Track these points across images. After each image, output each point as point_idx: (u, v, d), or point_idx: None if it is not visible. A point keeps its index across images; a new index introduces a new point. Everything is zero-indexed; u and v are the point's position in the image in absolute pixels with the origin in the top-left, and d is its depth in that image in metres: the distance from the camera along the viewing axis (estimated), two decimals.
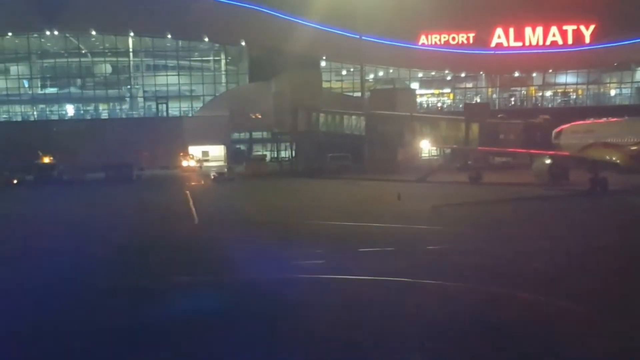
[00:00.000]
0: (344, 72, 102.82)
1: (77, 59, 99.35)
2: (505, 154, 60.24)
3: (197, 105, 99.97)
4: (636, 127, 46.61)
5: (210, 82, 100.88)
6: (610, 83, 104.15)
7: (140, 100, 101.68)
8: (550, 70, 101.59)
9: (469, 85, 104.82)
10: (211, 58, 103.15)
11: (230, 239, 27.80)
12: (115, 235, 30.28)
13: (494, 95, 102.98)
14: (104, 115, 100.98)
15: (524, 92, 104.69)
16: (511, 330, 14.24)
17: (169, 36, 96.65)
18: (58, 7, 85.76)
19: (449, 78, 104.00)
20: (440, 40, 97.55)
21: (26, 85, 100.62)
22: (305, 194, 51.02)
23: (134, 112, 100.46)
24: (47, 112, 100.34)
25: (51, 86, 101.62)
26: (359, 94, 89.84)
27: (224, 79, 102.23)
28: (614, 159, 44.61)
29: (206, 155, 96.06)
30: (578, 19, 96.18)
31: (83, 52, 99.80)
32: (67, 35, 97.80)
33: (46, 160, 76.95)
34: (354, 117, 75.30)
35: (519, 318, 15.19)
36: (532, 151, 50.70)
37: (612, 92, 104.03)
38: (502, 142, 57.29)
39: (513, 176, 54.44)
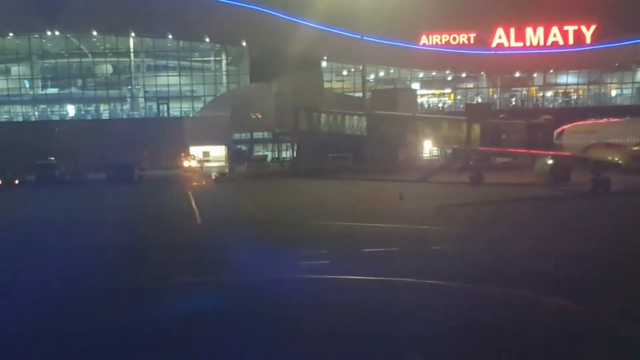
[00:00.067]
0: (344, 73, 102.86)
1: (78, 60, 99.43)
2: (506, 154, 60.26)
3: (198, 105, 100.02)
4: (638, 127, 46.66)
5: (211, 82, 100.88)
6: (611, 83, 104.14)
7: (141, 100, 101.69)
8: (551, 71, 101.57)
9: (470, 85, 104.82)
10: (212, 58, 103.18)
11: (234, 240, 27.81)
12: (117, 235, 30.24)
13: (495, 96, 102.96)
14: (105, 115, 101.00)
15: (524, 92, 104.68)
16: (520, 331, 14.23)
17: (170, 36, 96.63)
18: (59, 8, 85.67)
19: (449, 78, 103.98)
20: (441, 40, 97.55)
21: (27, 85, 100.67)
22: (307, 194, 51.00)
23: (135, 113, 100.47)
24: (48, 113, 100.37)
25: (52, 86, 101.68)
26: (359, 95, 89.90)
27: (225, 80, 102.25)
28: (616, 159, 44.65)
29: (207, 156, 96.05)
30: (579, 19, 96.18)
31: (84, 52, 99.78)
32: (68, 35, 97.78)
33: (48, 160, 76.89)
34: (355, 117, 75.35)
35: (527, 318, 15.19)
36: (533, 151, 50.74)
37: (613, 93, 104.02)
38: (503, 143, 57.31)
39: (514, 176, 54.43)
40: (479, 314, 15.45)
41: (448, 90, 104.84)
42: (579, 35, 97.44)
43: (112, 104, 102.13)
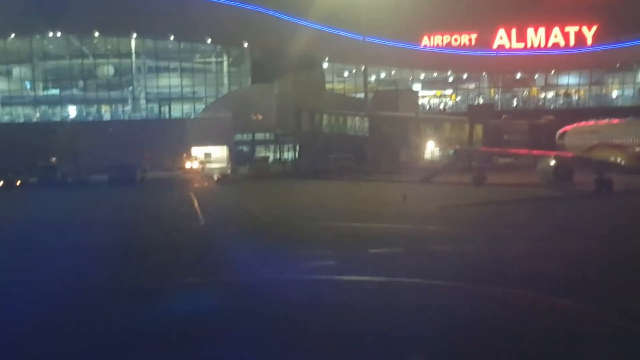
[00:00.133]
0: (345, 74, 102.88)
1: (79, 61, 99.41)
2: (508, 155, 60.26)
3: (200, 107, 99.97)
4: None
5: (212, 83, 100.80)
6: (612, 84, 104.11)
7: (143, 102, 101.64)
8: (553, 72, 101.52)
9: (471, 86, 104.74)
10: (213, 59, 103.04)
11: (238, 241, 27.82)
12: (121, 237, 30.26)
13: (496, 96, 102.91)
14: (107, 117, 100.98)
15: (526, 93, 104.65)
16: (522, 331, 14.27)
17: (172, 38, 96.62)
18: (61, 9, 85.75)
19: (451, 79, 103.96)
20: (442, 41, 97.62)
21: (29, 87, 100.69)
22: (310, 195, 50.98)
23: (136, 114, 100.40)
24: (50, 114, 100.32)
25: (54, 88, 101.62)
26: (361, 95, 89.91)
27: (226, 81, 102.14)
28: (619, 159, 44.68)
29: (208, 157, 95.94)
30: (580, 20, 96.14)
31: (86, 53, 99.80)
32: (70, 37, 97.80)
33: (49, 161, 76.90)
34: (357, 118, 75.40)
35: (530, 318, 15.24)
36: (536, 152, 50.75)
37: (614, 94, 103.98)
38: (506, 143, 57.34)
39: (517, 177, 54.47)
40: (482, 315, 15.51)
41: (449, 91, 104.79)
42: (580, 36, 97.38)
43: (113, 105, 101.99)
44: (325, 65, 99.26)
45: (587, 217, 34.00)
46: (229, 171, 78.84)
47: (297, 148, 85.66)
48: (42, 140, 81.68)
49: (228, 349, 13.60)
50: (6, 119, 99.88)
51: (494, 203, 40.78)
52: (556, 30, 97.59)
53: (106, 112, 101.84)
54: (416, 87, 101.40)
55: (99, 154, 79.55)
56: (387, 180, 58.94)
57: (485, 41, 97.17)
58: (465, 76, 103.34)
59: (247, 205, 44.40)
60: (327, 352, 13.37)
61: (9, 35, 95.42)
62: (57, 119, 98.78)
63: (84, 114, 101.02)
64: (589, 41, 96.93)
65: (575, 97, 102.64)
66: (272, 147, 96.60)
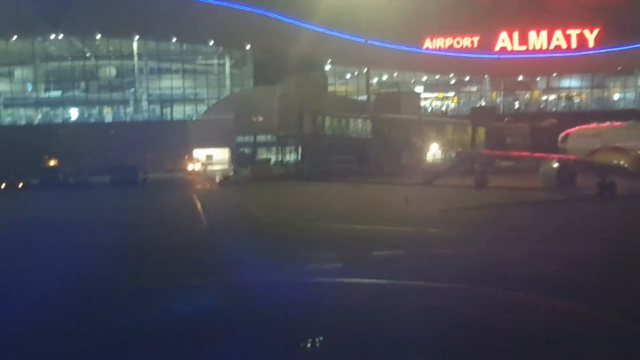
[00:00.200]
0: (348, 76, 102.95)
1: (81, 62, 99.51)
2: (511, 158, 60.24)
3: (202, 108, 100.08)
4: None
5: (214, 85, 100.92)
6: (614, 87, 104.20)
7: (145, 103, 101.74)
8: (555, 74, 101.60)
9: (473, 89, 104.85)
10: (216, 61, 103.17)
11: (241, 242, 27.80)
12: (124, 238, 30.27)
13: (498, 99, 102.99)
14: (108, 118, 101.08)
15: (528, 96, 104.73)
16: (524, 333, 14.24)
17: (174, 39, 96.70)
18: (63, 11, 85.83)
19: (453, 82, 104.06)
20: (444, 44, 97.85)
21: (30, 88, 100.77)
22: (313, 197, 51.01)
23: (138, 116, 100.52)
24: (52, 116, 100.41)
25: (56, 89, 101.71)
26: (363, 98, 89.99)
27: (228, 83, 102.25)
28: (622, 163, 44.66)
29: (210, 159, 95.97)
30: (582, 23, 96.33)
31: (88, 55, 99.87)
32: (72, 38, 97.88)
33: (51, 163, 76.95)
34: (359, 120, 75.43)
35: (532, 321, 15.20)
36: (539, 155, 50.74)
37: (616, 96, 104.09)
38: (508, 146, 57.31)
39: (519, 180, 54.41)
40: (484, 316, 15.48)
41: (451, 94, 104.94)
42: (582, 39, 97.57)
43: (115, 107, 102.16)
44: (327, 67, 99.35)
45: (590, 220, 33.95)
46: (231, 173, 78.88)
47: (299, 150, 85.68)
48: (44, 142, 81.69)
49: (230, 350, 13.58)
50: (8, 120, 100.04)
51: (496, 206, 40.72)
52: (558, 33, 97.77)
53: (108, 114, 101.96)
54: (418, 89, 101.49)
55: (101, 155, 79.64)
56: (389, 182, 58.94)
57: (487, 44, 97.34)
58: (467, 79, 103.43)
59: (249, 207, 44.40)
60: (329, 353, 13.36)
61: (11, 36, 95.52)
62: (59, 120, 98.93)
63: (86, 115, 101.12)
64: (591, 44, 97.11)
65: (577, 100, 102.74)
66: (274, 149, 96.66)
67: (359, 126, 75.08)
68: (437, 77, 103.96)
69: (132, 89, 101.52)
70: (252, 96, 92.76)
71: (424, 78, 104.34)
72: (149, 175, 77.91)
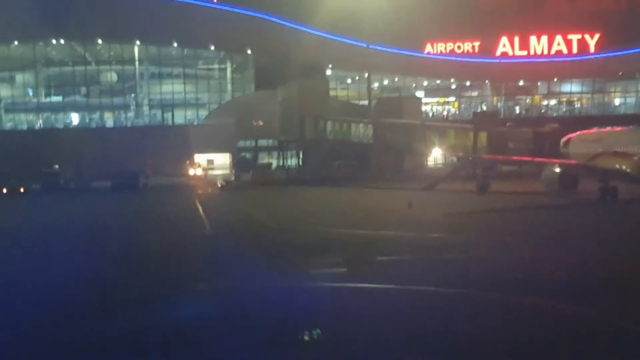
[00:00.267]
0: (349, 81, 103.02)
1: (82, 67, 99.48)
2: (513, 163, 60.23)
3: (203, 113, 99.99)
4: None
5: (216, 90, 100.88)
6: (614, 92, 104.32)
7: (146, 108, 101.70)
8: (555, 79, 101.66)
9: (474, 93, 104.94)
10: (217, 66, 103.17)
11: (245, 247, 27.79)
12: (127, 245, 30.26)
13: (499, 104, 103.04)
14: (109, 123, 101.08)
15: (528, 100, 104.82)
16: (534, 336, 14.30)
17: (175, 44, 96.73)
18: (64, 16, 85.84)
19: (454, 87, 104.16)
20: (445, 49, 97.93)
21: (31, 93, 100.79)
22: (315, 201, 51.01)
23: (139, 120, 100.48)
24: (53, 121, 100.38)
25: (57, 94, 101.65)
26: (364, 102, 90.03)
27: (229, 87, 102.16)
28: (624, 167, 44.67)
29: (211, 164, 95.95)
30: (583, 28, 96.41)
31: (88, 60, 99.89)
32: (73, 43, 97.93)
33: (53, 168, 76.93)
34: (361, 125, 75.39)
35: (541, 324, 15.28)
36: (541, 160, 50.74)
37: (617, 101, 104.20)
38: (510, 151, 57.29)
39: (521, 185, 54.44)
40: (486, 320, 15.58)
41: (452, 99, 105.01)
42: (583, 44, 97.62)
43: (116, 112, 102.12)
44: (328, 72, 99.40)
45: (592, 224, 33.97)
46: (232, 178, 78.86)
47: (301, 155, 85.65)
48: (45, 147, 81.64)
49: (235, 354, 13.60)
50: (9, 125, 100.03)
51: (498, 211, 40.73)
52: (559, 38, 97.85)
53: (109, 119, 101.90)
54: (419, 94, 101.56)
55: (102, 160, 79.58)
56: (391, 187, 58.93)
57: (488, 49, 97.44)
58: (468, 84, 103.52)
59: (251, 211, 44.43)
60: (334, 358, 13.36)
61: (12, 41, 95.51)
62: (60, 125, 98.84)
63: (87, 120, 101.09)
64: (592, 49, 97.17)
65: (577, 105, 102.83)
66: (275, 154, 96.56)
67: (361, 131, 75.01)
68: (438, 82, 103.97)
69: (133, 94, 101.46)
70: (254, 101, 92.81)
71: (425, 83, 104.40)
72: (150, 180, 77.89)
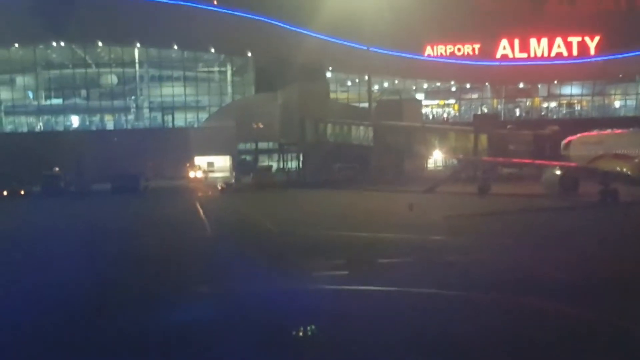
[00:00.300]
0: (349, 83, 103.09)
1: (83, 70, 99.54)
2: (514, 165, 60.29)
3: (203, 116, 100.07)
4: None
5: (216, 92, 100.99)
6: (615, 94, 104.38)
7: (146, 111, 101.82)
8: (556, 82, 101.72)
9: (474, 96, 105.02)
10: (217, 69, 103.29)
11: (247, 250, 27.79)
12: (130, 247, 30.26)
13: (499, 106, 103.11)
14: (110, 126, 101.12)
15: (528, 103, 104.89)
16: (535, 338, 14.30)
17: (175, 47, 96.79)
18: (64, 19, 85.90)
19: (454, 89, 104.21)
20: (445, 51, 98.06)
21: (31, 96, 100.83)
22: (316, 204, 51.00)
23: (139, 123, 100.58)
24: (53, 123, 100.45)
25: (57, 97, 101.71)
26: (364, 105, 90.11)
27: (229, 90, 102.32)
28: (624, 170, 44.70)
29: (211, 166, 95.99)
30: (583, 30, 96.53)
31: (89, 62, 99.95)
32: (73, 46, 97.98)
33: (53, 171, 76.94)
34: (361, 127, 75.41)
35: (541, 325, 15.29)
36: (541, 162, 50.78)
37: (617, 104, 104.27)
38: (511, 153, 57.33)
39: (522, 187, 54.45)
40: (487, 321, 15.57)
41: (452, 101, 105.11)
42: (583, 46, 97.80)
43: (116, 114, 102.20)
44: (328, 74, 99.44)
45: (593, 226, 33.93)
46: (233, 180, 78.87)
47: (301, 157, 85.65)
48: (46, 150, 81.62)
49: (235, 358, 13.60)
50: (10, 128, 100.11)
51: (499, 213, 40.69)
52: (559, 41, 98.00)
53: (109, 121, 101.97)
54: (419, 96, 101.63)
55: (103, 163, 79.61)
56: (392, 190, 58.96)
57: (488, 51, 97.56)
58: (468, 86, 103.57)
59: (252, 214, 44.45)
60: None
61: (13, 44, 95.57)
62: (61, 128, 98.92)
63: (87, 123, 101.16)
64: (592, 51, 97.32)
65: (577, 108, 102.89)
66: (275, 156, 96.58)
67: (361, 133, 75.03)
68: (438, 84, 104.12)
69: (134, 97, 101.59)
70: (254, 103, 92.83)
71: (425, 85, 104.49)
72: (151, 183, 77.90)
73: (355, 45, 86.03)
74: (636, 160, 44.71)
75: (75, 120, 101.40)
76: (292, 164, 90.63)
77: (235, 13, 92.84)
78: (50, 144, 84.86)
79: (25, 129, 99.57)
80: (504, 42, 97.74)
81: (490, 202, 46.62)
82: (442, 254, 25.04)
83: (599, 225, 34.74)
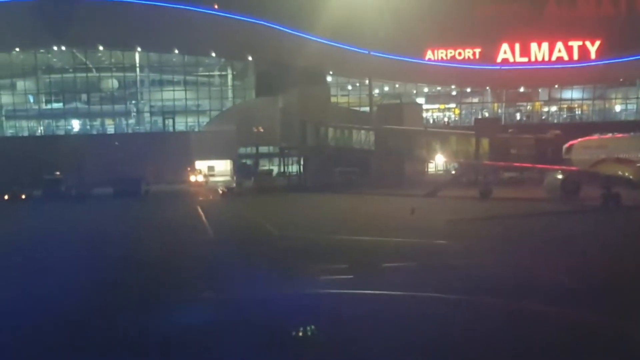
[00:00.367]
0: (350, 87, 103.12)
1: (84, 74, 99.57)
2: (515, 169, 60.19)
3: (204, 120, 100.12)
4: None
5: (217, 97, 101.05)
6: (615, 99, 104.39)
7: (147, 115, 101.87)
8: (556, 86, 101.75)
9: (475, 100, 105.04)
10: (218, 73, 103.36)
11: (249, 254, 27.76)
12: (132, 252, 30.21)
13: (500, 111, 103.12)
14: (111, 130, 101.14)
15: (529, 107, 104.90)
16: (536, 341, 14.29)
17: (176, 51, 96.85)
18: (65, 23, 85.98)
19: (454, 93, 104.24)
20: (446, 55, 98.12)
21: (32, 100, 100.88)
22: (318, 208, 50.98)
23: (140, 127, 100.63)
24: (54, 127, 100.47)
25: (58, 101, 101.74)
26: (365, 109, 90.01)
27: (230, 94, 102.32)
28: (626, 174, 44.64)
29: (212, 170, 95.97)
30: (584, 34, 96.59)
31: (90, 67, 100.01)
32: (74, 50, 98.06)
33: (54, 175, 76.95)
34: (362, 131, 75.42)
35: (543, 328, 15.30)
36: (543, 166, 50.72)
37: (618, 108, 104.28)
38: (512, 157, 57.29)
39: (523, 191, 54.39)
40: (489, 325, 15.59)
41: (453, 105, 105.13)
42: (583, 50, 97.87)
43: (117, 119, 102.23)
44: (329, 78, 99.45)
45: (595, 231, 33.91)
46: (233, 184, 78.84)
47: (302, 161, 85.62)
48: (47, 154, 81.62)
49: None
50: (11, 132, 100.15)
51: (501, 217, 40.70)
52: (560, 45, 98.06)
53: (110, 126, 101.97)
54: (420, 100, 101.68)
55: (103, 167, 79.58)
56: (393, 194, 58.92)
57: (489, 55, 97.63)
58: (468, 90, 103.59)
59: (253, 218, 44.41)
60: None
61: (14, 48, 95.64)
62: (62, 132, 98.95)
63: (88, 127, 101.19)
64: (593, 56, 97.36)
65: (578, 112, 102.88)
66: (276, 160, 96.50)
67: (362, 137, 75.07)
68: (439, 88, 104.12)
69: (134, 101, 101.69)
70: (254, 107, 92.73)
71: (426, 89, 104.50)
72: (152, 187, 77.87)
73: (356, 49, 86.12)
74: (638, 165, 44.61)
75: (76, 125, 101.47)
76: (293, 168, 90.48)
77: (236, 17, 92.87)
78: (51, 148, 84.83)
79: (26, 133, 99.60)
80: (505, 46, 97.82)
81: (492, 206, 46.60)
82: (443, 258, 25.03)
83: (600, 229, 34.73)
